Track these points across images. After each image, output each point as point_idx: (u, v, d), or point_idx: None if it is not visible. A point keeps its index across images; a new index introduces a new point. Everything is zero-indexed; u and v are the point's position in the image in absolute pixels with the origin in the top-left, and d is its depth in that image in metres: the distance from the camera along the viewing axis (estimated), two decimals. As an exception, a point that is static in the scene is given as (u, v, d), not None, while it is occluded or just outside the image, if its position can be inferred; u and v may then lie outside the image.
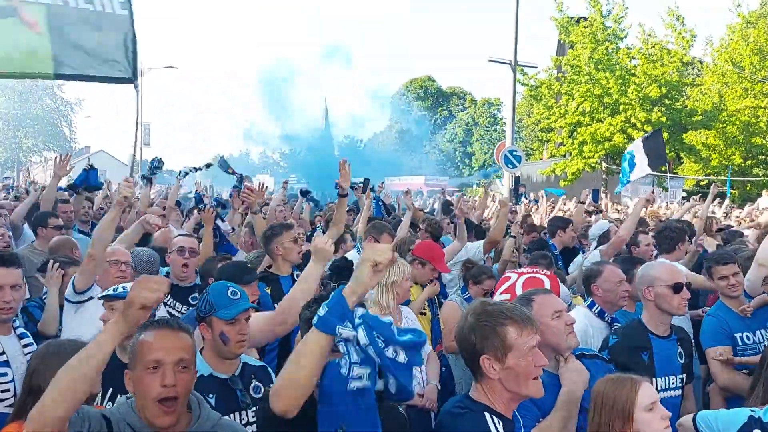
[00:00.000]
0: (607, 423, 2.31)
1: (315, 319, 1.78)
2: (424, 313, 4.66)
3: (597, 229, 6.63)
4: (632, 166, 11.64)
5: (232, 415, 2.58)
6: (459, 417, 2.10)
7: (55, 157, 6.48)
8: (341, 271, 4.32)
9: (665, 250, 5.27)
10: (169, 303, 4.43)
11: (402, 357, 1.84)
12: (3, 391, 2.98)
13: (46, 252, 5.09)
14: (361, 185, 8.59)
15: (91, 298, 3.71)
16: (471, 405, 2.10)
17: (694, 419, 2.56)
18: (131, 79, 6.18)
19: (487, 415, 2.04)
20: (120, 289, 3.04)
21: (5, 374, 3.01)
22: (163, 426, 2.01)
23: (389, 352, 1.82)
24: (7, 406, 2.93)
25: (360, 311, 1.82)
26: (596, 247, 6.08)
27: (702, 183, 25.20)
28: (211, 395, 2.56)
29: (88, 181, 6.84)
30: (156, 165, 7.89)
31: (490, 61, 18.56)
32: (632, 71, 24.16)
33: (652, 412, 2.29)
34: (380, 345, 1.80)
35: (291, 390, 1.79)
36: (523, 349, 2.03)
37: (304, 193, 9.56)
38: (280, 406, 1.80)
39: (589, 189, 10.65)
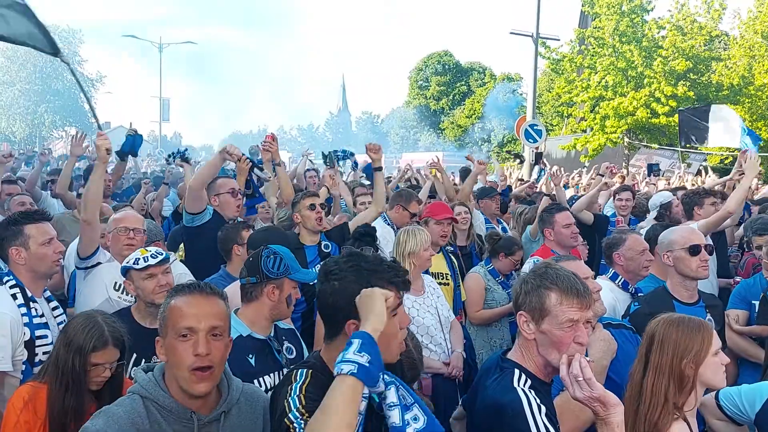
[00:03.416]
0: (677, 364, 2.25)
1: (354, 368, 1.58)
2: (447, 284, 4.67)
3: (660, 197, 6.43)
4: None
5: (271, 375, 2.60)
6: (490, 373, 2.12)
7: (72, 136, 6.43)
8: (363, 237, 4.29)
9: (688, 216, 5.47)
10: None
11: (421, 422, 1.77)
12: (45, 354, 2.89)
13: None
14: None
15: (98, 264, 3.64)
16: (501, 363, 2.10)
17: (717, 397, 2.53)
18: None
19: (516, 372, 2.02)
20: (134, 262, 3.00)
21: (46, 336, 3.00)
22: (200, 393, 1.91)
23: (409, 415, 1.75)
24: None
25: (385, 377, 1.76)
26: (655, 217, 6.08)
27: (726, 161, 24.67)
28: (250, 355, 2.59)
29: (134, 146, 6.86)
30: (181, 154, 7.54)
31: (512, 33, 18.26)
32: (659, 43, 23.58)
33: (717, 356, 2.29)
34: (405, 403, 1.76)
35: None
36: (560, 318, 1.97)
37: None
38: None
39: (610, 162, 10.44)
